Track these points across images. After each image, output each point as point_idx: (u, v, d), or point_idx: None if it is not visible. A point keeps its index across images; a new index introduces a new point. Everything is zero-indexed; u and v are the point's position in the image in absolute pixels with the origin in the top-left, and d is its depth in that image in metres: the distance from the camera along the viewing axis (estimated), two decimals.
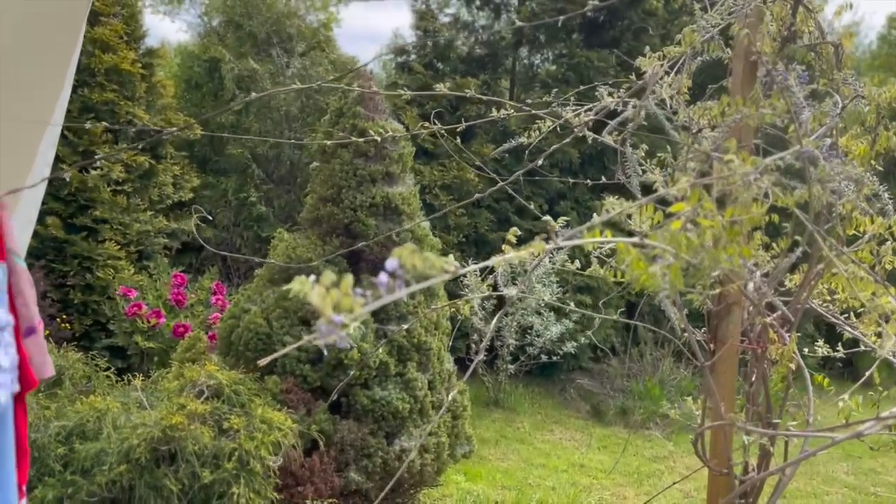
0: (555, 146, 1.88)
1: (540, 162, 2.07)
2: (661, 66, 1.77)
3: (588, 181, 2.33)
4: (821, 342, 2.50)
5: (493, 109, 2.10)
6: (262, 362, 1.18)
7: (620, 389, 7.75)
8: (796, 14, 2.08)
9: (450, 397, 2.38)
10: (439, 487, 4.23)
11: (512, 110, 2.08)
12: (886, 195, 1.87)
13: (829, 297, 2.29)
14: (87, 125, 2.18)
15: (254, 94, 1.85)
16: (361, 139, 2.95)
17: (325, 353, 3.50)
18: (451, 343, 7.53)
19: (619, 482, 5.35)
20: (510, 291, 2.14)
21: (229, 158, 8.03)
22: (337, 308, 1.12)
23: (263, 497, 2.90)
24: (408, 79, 7.87)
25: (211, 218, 7.73)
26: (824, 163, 1.62)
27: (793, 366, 2.28)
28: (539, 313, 6.94)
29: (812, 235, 2.17)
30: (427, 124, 2.43)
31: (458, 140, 7.74)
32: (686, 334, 2.43)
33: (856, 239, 2.20)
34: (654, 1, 8.85)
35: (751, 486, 2.37)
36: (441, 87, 2.14)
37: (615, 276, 1.80)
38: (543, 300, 6.67)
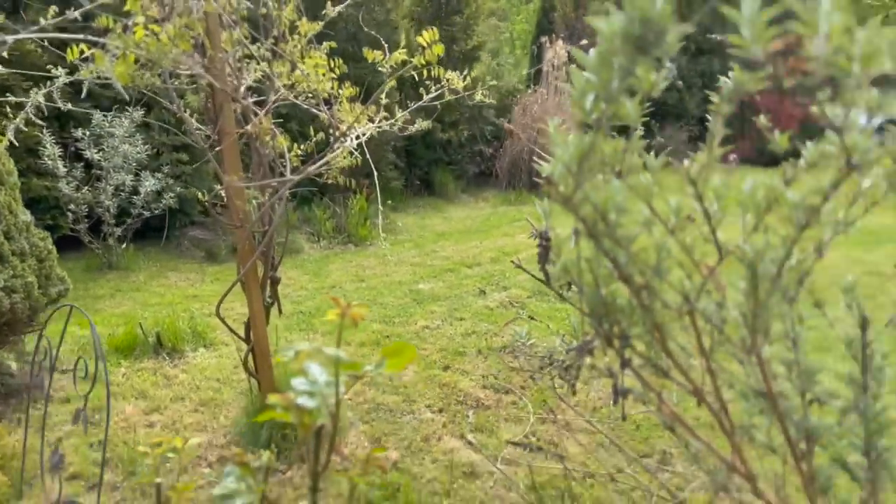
0: None
1: None
2: None
3: None
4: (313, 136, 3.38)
5: None
6: None
7: (233, 232, 8.49)
8: None
9: None
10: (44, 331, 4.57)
11: None
12: None
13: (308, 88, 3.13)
14: None
15: None
16: None
17: None
18: (52, 221, 7.45)
19: (229, 299, 6.17)
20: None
21: None
22: None
23: None
24: None
25: None
26: None
27: (268, 138, 3.15)
28: (136, 174, 7.16)
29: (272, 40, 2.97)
30: None
31: None
32: (187, 126, 3.14)
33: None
34: None
35: (261, 215, 3.24)
36: None
37: (98, 77, 2.38)
38: (133, 160, 6.93)
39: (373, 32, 4.45)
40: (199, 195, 3.24)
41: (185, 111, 2.97)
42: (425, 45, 2.51)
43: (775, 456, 1.59)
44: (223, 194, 3.39)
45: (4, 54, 2.31)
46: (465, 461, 3.38)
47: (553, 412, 3.69)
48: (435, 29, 2.52)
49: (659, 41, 0.98)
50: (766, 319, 1.20)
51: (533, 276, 1.50)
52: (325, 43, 3.06)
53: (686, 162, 1.06)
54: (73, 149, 6.95)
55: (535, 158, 1.22)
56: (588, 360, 1.75)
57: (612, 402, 1.61)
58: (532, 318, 3.78)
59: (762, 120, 1.14)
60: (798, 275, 1.32)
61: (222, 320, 3.38)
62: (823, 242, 1.20)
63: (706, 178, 1.08)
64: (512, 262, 1.73)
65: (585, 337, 1.59)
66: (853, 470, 1.58)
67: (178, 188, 7.44)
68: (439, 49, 2.48)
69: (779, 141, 1.11)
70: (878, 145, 1.01)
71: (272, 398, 1.45)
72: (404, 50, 2.62)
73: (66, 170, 6.62)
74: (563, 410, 3.72)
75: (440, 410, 3.96)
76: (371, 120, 2.96)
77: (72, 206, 6.86)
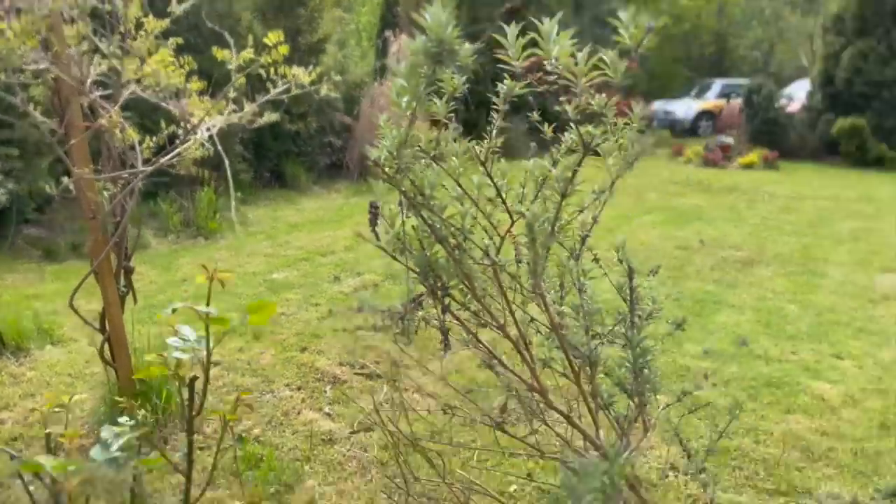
0: None
1: None
2: None
3: None
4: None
5: None
6: None
7: (73, 230, 8.14)
8: None
9: None
10: None
11: None
12: None
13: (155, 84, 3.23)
14: None
15: None
16: None
17: None
18: None
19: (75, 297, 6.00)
20: None
21: None
22: None
23: None
24: None
25: None
26: None
27: (118, 131, 3.23)
28: None
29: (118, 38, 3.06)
30: None
31: None
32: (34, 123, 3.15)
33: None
34: None
35: (114, 207, 3.31)
36: None
37: None
38: None
39: (216, 27, 4.53)
40: (47, 187, 3.24)
41: (29, 104, 2.99)
42: (271, 45, 2.73)
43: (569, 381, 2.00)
44: (71, 187, 3.41)
45: None
46: (324, 430, 3.65)
47: (403, 369, 4.03)
48: (280, 32, 2.74)
49: (452, 56, 1.31)
50: (544, 267, 1.58)
51: (372, 243, 1.80)
52: (171, 39, 3.19)
53: (477, 148, 1.41)
54: None
55: (366, 146, 1.53)
56: (421, 314, 2.09)
57: (441, 345, 1.95)
58: (376, 286, 4.09)
59: (535, 115, 1.50)
60: (580, 235, 1.72)
61: (76, 311, 3.41)
62: (585, 205, 1.59)
63: (493, 161, 1.43)
64: (357, 234, 2.02)
65: (416, 294, 1.92)
66: (629, 391, 2.02)
67: (10, 185, 7.06)
68: (284, 49, 2.70)
69: (546, 133, 1.49)
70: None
71: (149, 356, 1.67)
72: (251, 49, 2.80)
73: None
74: (415, 379, 4.07)
75: (299, 388, 4.19)
76: (220, 113, 3.13)
77: None
